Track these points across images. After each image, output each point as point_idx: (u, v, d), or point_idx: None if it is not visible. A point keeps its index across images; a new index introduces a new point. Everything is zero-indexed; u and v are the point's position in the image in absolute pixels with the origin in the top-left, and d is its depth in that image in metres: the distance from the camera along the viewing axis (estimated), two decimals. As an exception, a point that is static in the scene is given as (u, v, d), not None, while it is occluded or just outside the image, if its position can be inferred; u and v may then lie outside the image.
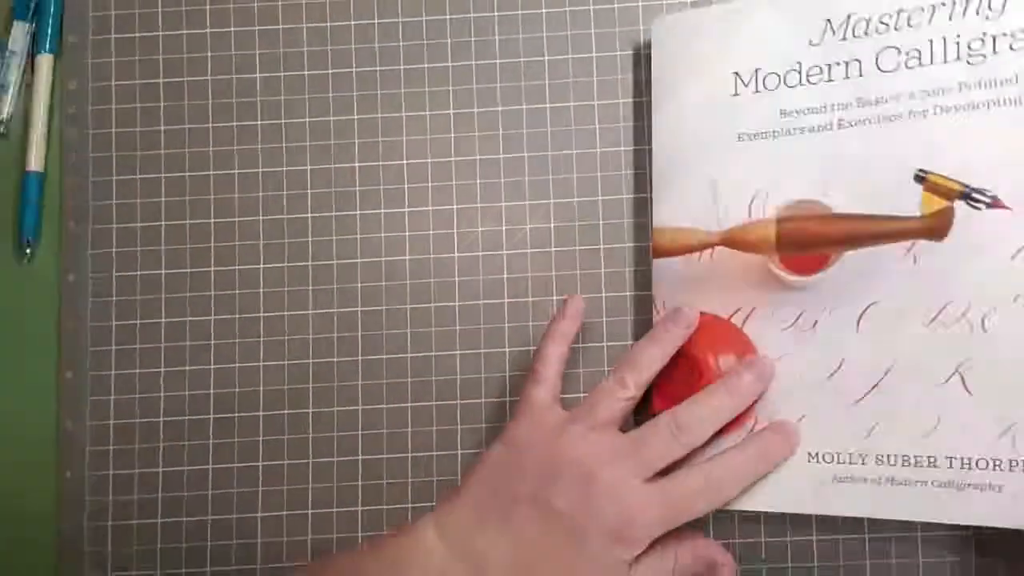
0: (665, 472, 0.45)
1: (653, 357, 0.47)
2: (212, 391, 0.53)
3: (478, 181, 0.54)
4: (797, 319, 0.47)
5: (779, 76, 0.49)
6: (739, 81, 0.49)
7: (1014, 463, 0.42)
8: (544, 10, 0.54)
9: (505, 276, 0.54)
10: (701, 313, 0.49)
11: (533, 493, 0.44)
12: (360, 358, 0.53)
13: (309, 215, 0.54)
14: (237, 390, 0.53)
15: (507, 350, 0.53)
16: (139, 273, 0.54)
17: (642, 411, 0.49)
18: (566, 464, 0.45)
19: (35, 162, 0.55)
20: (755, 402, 0.48)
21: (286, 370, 0.53)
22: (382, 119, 0.55)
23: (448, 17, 0.55)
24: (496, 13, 0.55)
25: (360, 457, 0.53)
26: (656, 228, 0.51)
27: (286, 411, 0.53)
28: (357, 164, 0.54)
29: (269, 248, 0.54)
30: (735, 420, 0.47)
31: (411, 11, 0.55)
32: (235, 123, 0.55)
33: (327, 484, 0.53)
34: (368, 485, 0.53)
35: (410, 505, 0.52)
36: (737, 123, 0.49)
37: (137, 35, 0.55)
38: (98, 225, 0.54)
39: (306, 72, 0.55)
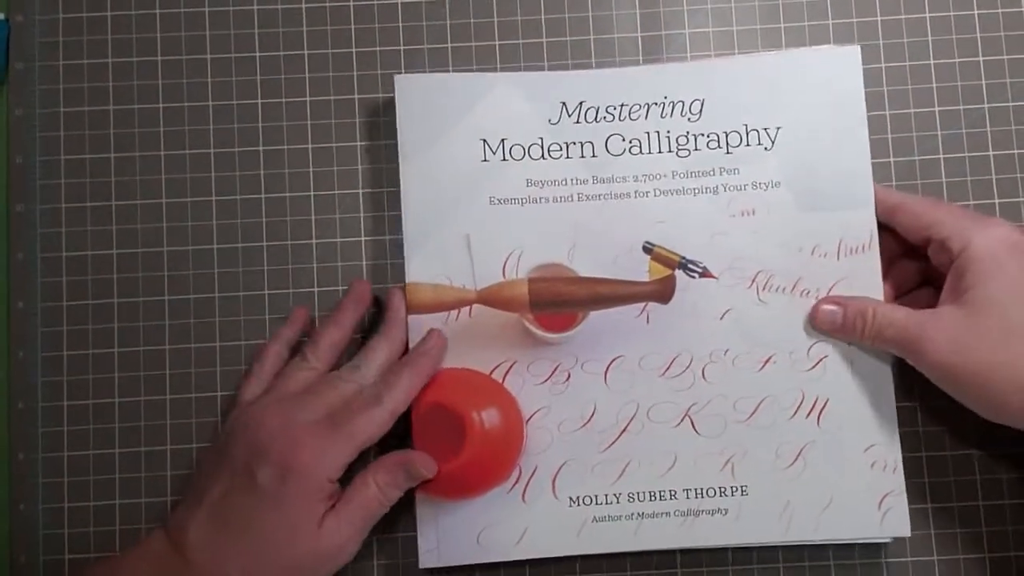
0: None
1: (332, 334, 0.50)
2: (168, 421, 0.53)
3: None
4: (552, 373, 0.51)
5: (524, 148, 0.52)
6: (487, 148, 0.52)
7: (734, 489, 0.51)
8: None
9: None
10: (462, 368, 0.50)
11: (216, 458, 0.47)
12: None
13: (264, 243, 0.54)
14: (195, 420, 0.53)
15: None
16: (90, 303, 0.53)
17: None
18: (245, 423, 0.47)
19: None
20: (518, 454, 0.50)
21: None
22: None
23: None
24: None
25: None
26: (411, 284, 0.51)
27: None
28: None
29: (224, 276, 0.53)
30: (499, 470, 0.49)
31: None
32: (187, 151, 0.54)
33: None
34: None
35: None
36: (488, 187, 0.52)
37: (86, 62, 0.54)
38: (46, 253, 0.53)
39: (259, 100, 0.54)
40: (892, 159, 0.54)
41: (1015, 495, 0.52)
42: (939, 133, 0.54)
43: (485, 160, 0.52)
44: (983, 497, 0.52)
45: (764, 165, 0.52)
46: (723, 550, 0.52)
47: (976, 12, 0.55)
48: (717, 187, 0.52)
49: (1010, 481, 0.52)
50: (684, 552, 0.52)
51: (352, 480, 0.47)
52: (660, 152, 0.53)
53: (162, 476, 0.52)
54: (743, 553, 0.52)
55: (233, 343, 0.53)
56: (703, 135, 0.53)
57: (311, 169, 0.54)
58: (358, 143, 0.54)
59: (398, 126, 0.52)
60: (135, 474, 0.52)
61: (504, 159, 0.52)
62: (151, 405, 0.52)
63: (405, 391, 0.48)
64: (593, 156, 0.53)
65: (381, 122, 0.54)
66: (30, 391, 0.52)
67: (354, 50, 0.55)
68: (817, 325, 0.50)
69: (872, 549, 0.52)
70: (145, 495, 0.52)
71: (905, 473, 0.51)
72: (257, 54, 0.55)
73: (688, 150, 0.53)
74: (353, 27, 0.55)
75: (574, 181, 0.52)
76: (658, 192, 0.52)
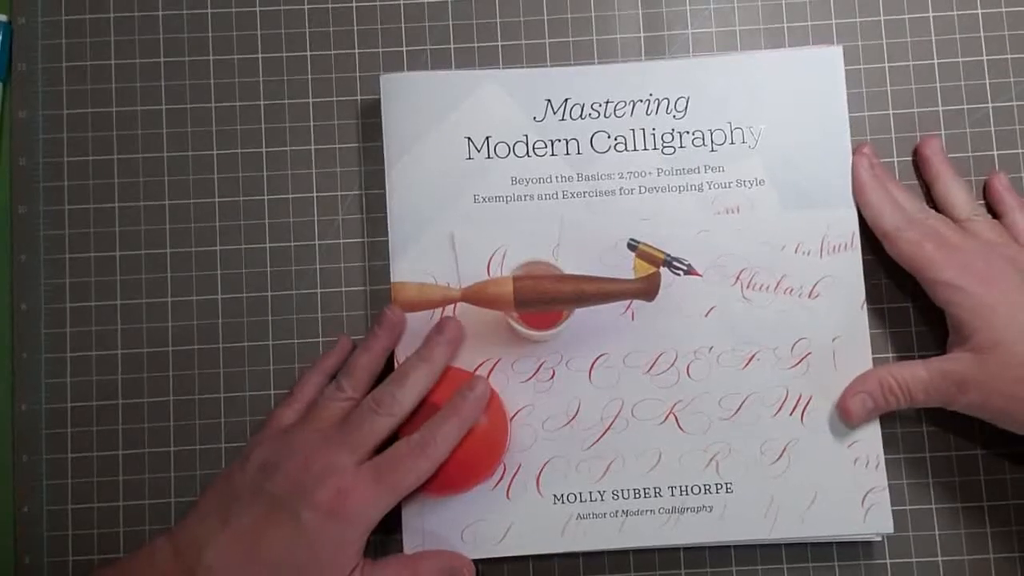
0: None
1: (366, 362, 0.50)
2: (171, 423, 0.53)
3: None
4: (537, 371, 0.51)
5: (508, 146, 0.52)
6: (472, 146, 0.52)
7: (719, 486, 0.51)
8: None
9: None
10: (446, 366, 0.50)
11: (251, 486, 0.47)
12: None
13: (267, 245, 0.54)
14: (198, 421, 0.53)
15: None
16: (94, 304, 0.53)
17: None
18: (286, 457, 0.47)
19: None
20: (502, 452, 0.50)
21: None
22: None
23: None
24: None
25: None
26: (396, 283, 0.51)
27: None
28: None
29: (227, 278, 0.53)
30: (484, 467, 0.49)
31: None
32: (190, 152, 0.54)
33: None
34: None
35: None
36: (472, 185, 0.52)
37: (88, 63, 0.55)
38: (50, 255, 0.53)
39: (262, 102, 0.54)
40: (896, 159, 0.54)
41: (1019, 495, 0.52)
42: (943, 132, 0.54)
43: (470, 158, 0.52)
44: (987, 498, 0.52)
45: (748, 163, 0.52)
46: (726, 545, 0.52)
47: (980, 11, 0.55)
48: (702, 185, 0.52)
49: (1014, 481, 0.52)
50: (687, 549, 0.52)
51: (390, 559, 0.48)
52: (645, 149, 0.53)
53: (165, 478, 0.52)
54: (747, 549, 0.52)
55: (236, 344, 0.53)
56: (688, 133, 0.53)
57: (314, 170, 0.54)
58: (360, 144, 0.54)
59: (383, 125, 0.52)
60: (139, 476, 0.52)
61: (489, 157, 0.52)
62: (154, 407, 0.53)
63: (449, 443, 0.48)
64: (578, 153, 0.53)
65: (381, 123, 0.54)
66: (34, 393, 0.53)
67: (356, 51, 0.55)
68: (854, 420, 0.50)
69: (875, 548, 0.52)
70: (149, 497, 0.52)
71: (909, 473, 0.51)
72: (260, 55, 0.55)
73: (673, 147, 0.53)
74: (356, 28, 0.55)
75: (559, 178, 0.52)
76: (643, 189, 0.52)
